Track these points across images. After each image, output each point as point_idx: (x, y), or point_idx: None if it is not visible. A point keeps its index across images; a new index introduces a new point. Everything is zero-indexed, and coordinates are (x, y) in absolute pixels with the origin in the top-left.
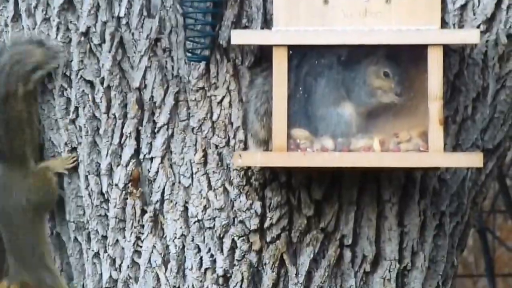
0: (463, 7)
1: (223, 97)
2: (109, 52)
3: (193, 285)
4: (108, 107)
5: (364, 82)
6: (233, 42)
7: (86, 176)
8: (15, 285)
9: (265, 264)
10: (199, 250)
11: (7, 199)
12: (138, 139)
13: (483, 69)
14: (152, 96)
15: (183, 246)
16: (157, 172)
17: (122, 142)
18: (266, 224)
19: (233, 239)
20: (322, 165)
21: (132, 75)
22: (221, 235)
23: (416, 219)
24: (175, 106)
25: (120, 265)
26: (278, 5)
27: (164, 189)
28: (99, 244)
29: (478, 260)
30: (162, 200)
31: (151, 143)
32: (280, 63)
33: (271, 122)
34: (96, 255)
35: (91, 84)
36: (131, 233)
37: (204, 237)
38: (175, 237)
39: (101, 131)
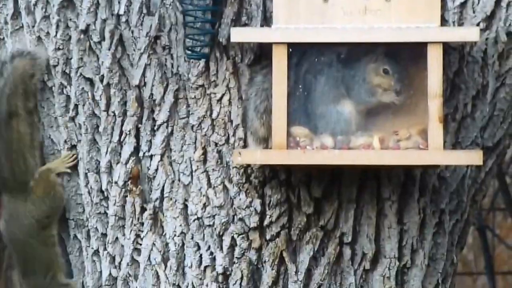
0: (463, 5)
1: (223, 95)
2: (109, 49)
3: (192, 283)
4: (108, 105)
5: (364, 80)
6: (232, 39)
7: (86, 174)
8: None
9: (265, 261)
10: (199, 248)
11: (16, 227)
12: (137, 136)
13: (483, 67)
14: (151, 94)
15: (183, 244)
16: (156, 170)
17: (121, 139)
18: (266, 222)
19: (232, 237)
20: (321, 163)
21: (131, 73)
22: (221, 233)
23: (415, 217)
24: (175, 104)
25: (119, 263)
26: (278, 2)
27: (163, 186)
28: (99, 241)
29: (478, 258)
30: (161, 198)
31: (150, 141)
32: (279, 60)
33: (271, 120)
34: (96, 252)
35: (90, 81)
36: (131, 230)
37: (203, 235)
38: (175, 235)
39: (100, 129)
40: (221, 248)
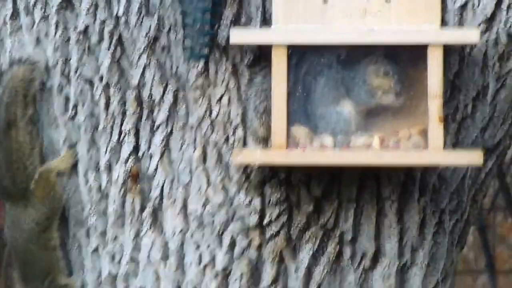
0: (463, 6)
1: (222, 95)
2: (108, 50)
3: (192, 281)
4: (107, 105)
5: (364, 82)
6: (232, 41)
7: (85, 173)
8: None
9: (265, 260)
10: (199, 246)
11: (17, 233)
12: (137, 136)
13: (483, 68)
14: (151, 94)
15: (183, 243)
16: (156, 169)
17: (121, 139)
18: (266, 221)
19: (232, 236)
20: (321, 163)
21: (131, 73)
22: (221, 232)
23: (415, 216)
24: (174, 104)
25: (119, 261)
26: (277, 3)
27: (163, 186)
28: (98, 240)
29: (478, 257)
30: (161, 197)
31: (150, 140)
32: (279, 61)
33: (270, 120)
34: (95, 251)
35: (90, 81)
36: (131, 229)
37: (203, 234)
38: (175, 234)
39: (100, 128)
40: (221, 247)
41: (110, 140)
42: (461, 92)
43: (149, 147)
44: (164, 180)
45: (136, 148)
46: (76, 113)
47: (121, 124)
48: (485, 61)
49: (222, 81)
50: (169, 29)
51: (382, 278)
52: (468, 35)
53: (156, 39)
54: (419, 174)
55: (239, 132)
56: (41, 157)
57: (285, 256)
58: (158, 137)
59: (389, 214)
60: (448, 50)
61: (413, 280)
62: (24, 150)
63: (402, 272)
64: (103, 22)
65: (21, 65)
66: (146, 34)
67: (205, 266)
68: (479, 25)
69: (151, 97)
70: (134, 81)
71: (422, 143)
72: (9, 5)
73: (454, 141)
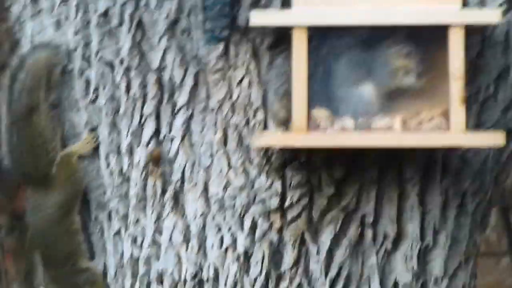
0: None
1: (243, 78)
2: (128, 32)
3: (214, 264)
4: (128, 88)
5: (385, 63)
6: (252, 23)
7: (107, 156)
8: None
9: (286, 243)
10: (220, 229)
11: (39, 218)
12: (158, 119)
13: (505, 49)
14: (171, 77)
15: (204, 225)
16: (177, 152)
17: (142, 122)
18: (287, 203)
19: (253, 218)
20: (342, 145)
21: (151, 56)
22: (242, 214)
23: (437, 198)
24: (195, 87)
25: (141, 244)
26: None
27: (184, 168)
28: (120, 223)
29: (501, 239)
30: (182, 180)
31: (171, 123)
32: (299, 43)
33: (291, 102)
34: (117, 233)
35: (110, 65)
36: (152, 212)
37: (224, 216)
38: (196, 216)
39: (121, 112)
40: (242, 229)
41: (131, 123)
42: (483, 73)
43: (170, 130)
44: (185, 163)
45: (157, 131)
46: (97, 97)
47: (142, 107)
48: (507, 41)
49: (243, 64)
50: (189, 11)
51: (404, 260)
52: (490, 15)
53: (176, 21)
54: (441, 155)
55: (260, 115)
56: (63, 141)
57: (306, 238)
58: (179, 120)
59: (411, 196)
60: (470, 31)
61: (435, 262)
62: (46, 135)
63: (424, 254)
64: (123, 5)
65: (43, 50)
66: (166, 16)
67: (226, 249)
68: (501, 5)
69: (172, 80)
70: (155, 64)
71: (444, 125)
72: None
73: (476, 122)
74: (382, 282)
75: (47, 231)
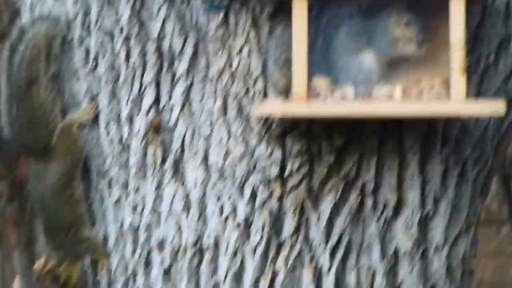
0: None
1: (242, 47)
2: (128, 2)
3: (214, 232)
4: (128, 57)
5: (385, 32)
6: None
7: (106, 125)
8: (53, 263)
9: (286, 211)
10: (220, 198)
11: (41, 189)
12: (157, 88)
13: (506, 18)
14: (171, 46)
15: (204, 194)
16: (177, 121)
17: (141, 91)
18: (287, 172)
19: (253, 187)
20: (342, 114)
21: (151, 25)
22: (242, 183)
23: (438, 166)
24: (194, 56)
25: (141, 212)
26: None
27: (184, 137)
28: (120, 191)
29: (502, 207)
30: (182, 148)
31: (170, 92)
32: (299, 13)
33: (291, 71)
34: (117, 202)
35: (110, 34)
36: (152, 180)
37: (224, 185)
38: (196, 185)
39: (120, 80)
40: (242, 198)
41: (131, 92)
42: (484, 42)
43: (169, 99)
44: (185, 132)
45: (156, 100)
46: (96, 65)
47: (142, 76)
48: (507, 11)
49: (242, 33)
50: None
51: (404, 228)
52: None
53: None
54: (441, 124)
55: (260, 84)
56: (63, 112)
57: (306, 207)
58: (179, 89)
59: (412, 164)
60: (471, 0)
61: (435, 230)
62: (46, 107)
63: (425, 222)
64: None
65: (43, 22)
66: None
67: (226, 217)
68: None
69: (171, 49)
70: (154, 33)
71: (445, 94)
72: None
73: (476, 91)
74: (382, 250)
75: (49, 201)
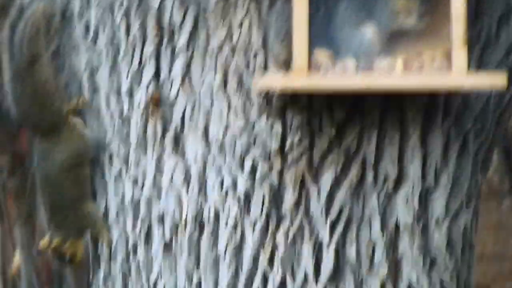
0: None
1: (243, 20)
2: None
3: (214, 205)
4: (128, 30)
5: (386, 4)
6: None
7: (107, 99)
8: (58, 240)
9: (286, 185)
10: (220, 171)
11: (48, 166)
12: (157, 61)
13: None
14: (171, 19)
15: (204, 167)
16: (177, 94)
17: (142, 64)
18: (287, 146)
19: (253, 160)
20: (343, 87)
21: None
22: (242, 156)
23: (439, 139)
24: (195, 29)
25: (142, 185)
26: None
27: (184, 110)
28: (121, 164)
29: (503, 180)
30: (182, 122)
31: (171, 66)
32: None
33: (292, 44)
34: (118, 175)
35: (110, 7)
36: (153, 153)
37: (225, 158)
38: (196, 158)
39: (121, 54)
40: (242, 171)
41: (131, 66)
42: (485, 14)
43: (170, 72)
44: (185, 105)
45: (157, 73)
46: (96, 39)
47: (142, 50)
48: None
49: (243, 6)
50: None
51: (405, 201)
52: None
53: None
54: (442, 97)
55: (260, 57)
56: (65, 87)
57: (306, 180)
58: (179, 62)
59: (413, 137)
60: None
61: (436, 203)
62: (49, 85)
63: (426, 195)
64: None
65: (41, 0)
66: None
67: (226, 191)
68: None
69: (172, 22)
70: (154, 6)
71: (446, 66)
72: None
73: (478, 64)
74: (383, 224)
75: (55, 179)
